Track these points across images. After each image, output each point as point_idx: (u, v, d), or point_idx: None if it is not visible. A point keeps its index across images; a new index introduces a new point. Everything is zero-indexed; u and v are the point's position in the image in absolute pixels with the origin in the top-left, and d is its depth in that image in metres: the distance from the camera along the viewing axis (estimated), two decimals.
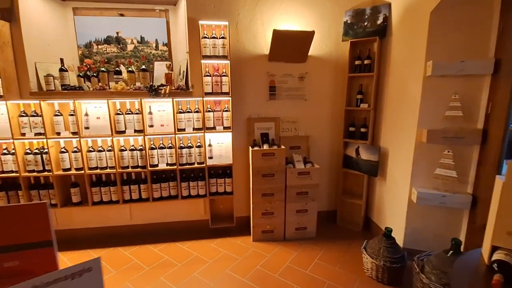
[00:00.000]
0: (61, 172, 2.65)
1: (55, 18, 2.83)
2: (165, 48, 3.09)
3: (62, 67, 2.68)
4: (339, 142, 3.16)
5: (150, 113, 2.71)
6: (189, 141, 2.81)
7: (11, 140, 2.52)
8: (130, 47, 3.06)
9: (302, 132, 3.12)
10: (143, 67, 2.84)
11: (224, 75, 2.72)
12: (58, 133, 2.61)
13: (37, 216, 1.14)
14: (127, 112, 2.67)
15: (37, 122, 2.57)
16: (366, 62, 2.84)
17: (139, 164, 2.72)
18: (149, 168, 2.73)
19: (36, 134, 2.57)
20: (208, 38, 2.62)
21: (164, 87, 2.70)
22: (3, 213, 1.12)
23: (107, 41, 3.01)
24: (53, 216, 2.93)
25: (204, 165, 2.81)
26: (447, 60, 2.12)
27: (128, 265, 2.52)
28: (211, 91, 2.72)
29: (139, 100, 2.61)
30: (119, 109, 2.66)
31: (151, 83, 2.74)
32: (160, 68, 2.99)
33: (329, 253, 2.69)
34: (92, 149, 2.67)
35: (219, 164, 2.85)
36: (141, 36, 3.05)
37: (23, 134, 2.57)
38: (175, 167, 2.76)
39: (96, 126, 2.66)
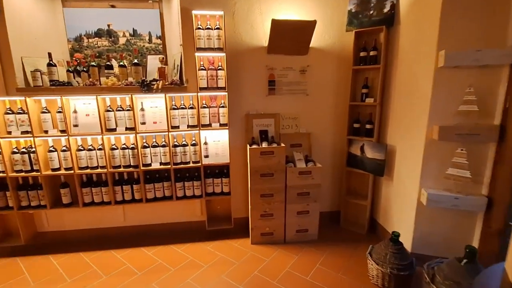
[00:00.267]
0: (50, 172, 2.53)
1: (43, 10, 2.70)
2: (158, 41, 2.94)
3: (50, 62, 2.55)
4: (342, 139, 2.98)
5: (142, 109, 2.57)
6: (183, 139, 2.67)
7: None
8: (122, 40, 2.91)
9: (304, 129, 2.96)
10: (135, 61, 2.69)
11: (220, 69, 2.56)
12: (46, 131, 2.49)
13: None
14: (118, 108, 2.53)
15: (24, 120, 2.45)
16: (372, 53, 2.65)
17: (131, 164, 2.59)
18: (142, 168, 2.59)
19: (23, 132, 2.45)
20: (203, 29, 2.46)
21: (157, 82, 2.56)
22: None
23: (98, 34, 2.87)
24: (43, 217, 2.83)
25: (199, 164, 2.67)
26: (461, 49, 1.92)
27: (119, 270, 2.40)
28: (206, 86, 2.56)
29: (130, 96, 2.46)
30: (109, 106, 2.52)
31: (144, 78, 2.60)
32: (153, 62, 2.84)
33: (332, 257, 2.54)
34: (82, 148, 2.55)
35: (215, 163, 2.70)
36: (133, 28, 2.90)
37: (9, 133, 2.45)
38: (169, 166, 2.62)
39: (85, 124, 2.53)
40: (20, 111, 2.45)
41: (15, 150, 2.50)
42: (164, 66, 2.68)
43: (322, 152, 3.04)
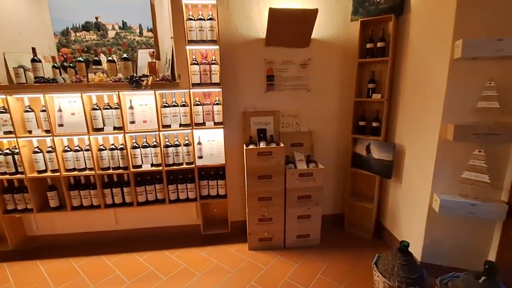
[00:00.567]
0: (35, 175, 2.40)
1: (26, 2, 2.53)
2: (150, 34, 2.75)
3: (35, 57, 2.40)
4: (347, 138, 2.78)
5: (131, 107, 2.41)
6: (175, 139, 2.50)
7: None
8: (111, 34, 2.74)
9: (305, 127, 2.76)
10: (125, 55, 2.52)
11: (213, 63, 2.37)
12: (30, 131, 2.35)
13: None
14: (105, 107, 2.37)
15: (6, 119, 2.31)
16: (379, 45, 2.43)
17: (121, 165, 2.44)
18: (132, 170, 2.44)
19: (5, 132, 2.32)
20: (194, 20, 2.27)
21: (147, 78, 2.38)
22: None
23: (86, 27, 2.70)
24: (32, 221, 2.71)
25: (193, 165, 2.50)
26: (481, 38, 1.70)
27: (108, 278, 2.27)
28: (199, 81, 2.38)
29: (117, 93, 2.30)
30: (96, 104, 2.36)
31: (133, 74, 2.43)
32: (144, 57, 2.66)
33: (335, 265, 2.36)
34: (68, 149, 2.40)
35: (210, 164, 2.53)
36: (123, 21, 2.72)
37: None
38: (161, 168, 2.47)
39: (71, 123, 2.38)
40: (2, 110, 2.31)
41: None
42: (155, 60, 2.51)
43: (325, 151, 2.84)
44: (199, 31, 2.28)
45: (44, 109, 2.30)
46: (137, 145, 2.44)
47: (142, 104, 2.45)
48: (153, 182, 2.53)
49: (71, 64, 2.50)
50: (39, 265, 2.45)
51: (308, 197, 2.52)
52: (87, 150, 2.40)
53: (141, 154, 2.45)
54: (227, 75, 2.54)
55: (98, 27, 2.71)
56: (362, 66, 2.60)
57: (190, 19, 2.26)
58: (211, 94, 2.50)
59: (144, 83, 2.35)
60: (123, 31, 2.74)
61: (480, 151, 1.84)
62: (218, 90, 2.42)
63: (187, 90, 2.38)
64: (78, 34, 2.71)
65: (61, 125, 2.36)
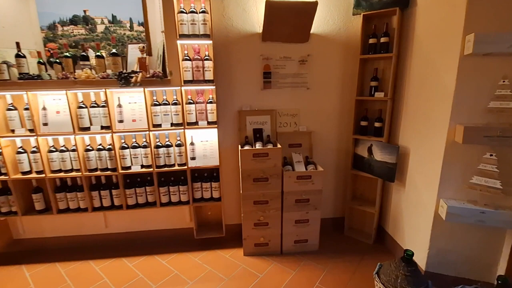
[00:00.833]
0: (19, 176, 2.28)
1: None
2: (141, 28, 2.62)
3: (19, 53, 2.28)
4: (348, 139, 2.65)
5: (120, 105, 2.28)
6: (167, 139, 2.37)
7: None
8: (100, 28, 2.60)
9: (304, 127, 2.63)
10: (114, 51, 2.39)
11: (207, 59, 2.24)
12: (13, 131, 2.23)
13: None
14: (92, 104, 2.24)
15: None
16: (383, 40, 2.28)
17: (109, 166, 2.32)
18: (121, 171, 2.32)
19: None
20: (186, 12, 2.13)
21: (136, 74, 2.25)
22: None
23: (74, 21, 2.57)
24: (18, 224, 2.60)
25: (185, 167, 2.37)
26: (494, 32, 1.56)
27: (95, 285, 2.15)
28: (191, 78, 2.25)
29: (104, 90, 2.17)
30: (82, 102, 2.23)
31: (122, 70, 2.30)
32: (135, 52, 2.53)
33: (334, 273, 2.24)
34: (54, 149, 2.28)
35: (203, 166, 2.41)
36: (112, 15, 2.58)
37: None
38: (152, 169, 2.34)
39: (56, 122, 2.26)
40: None
41: None
42: (145, 56, 2.38)
43: (324, 153, 2.71)
44: (191, 25, 2.14)
45: (28, 107, 2.17)
46: (126, 146, 2.31)
47: (131, 102, 2.32)
48: (143, 184, 2.41)
49: (57, 60, 2.38)
50: (24, 270, 2.34)
51: (306, 201, 2.39)
52: (73, 150, 2.27)
53: (130, 155, 2.33)
54: (221, 72, 2.41)
55: (86, 21, 2.58)
56: (365, 62, 2.46)
57: (182, 11, 2.12)
58: (204, 92, 2.37)
59: (133, 79, 2.22)
60: (112, 25, 2.60)
61: (491, 155, 1.70)
62: (211, 87, 2.28)
63: (179, 88, 2.25)
64: (65, 28, 2.57)
65: (45, 124, 2.24)
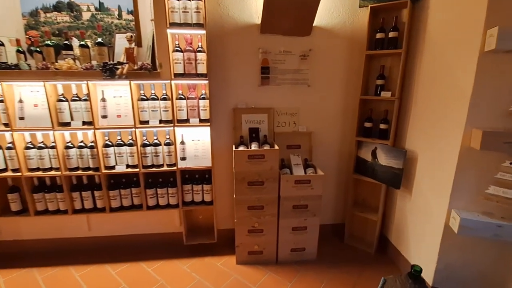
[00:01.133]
0: None
1: None
2: (130, 17, 2.42)
3: None
4: (350, 141, 2.48)
5: (104, 99, 2.09)
6: (155, 137, 2.19)
7: None
8: (86, 16, 2.40)
9: (303, 128, 2.45)
10: (100, 40, 2.20)
11: (199, 51, 2.05)
12: None
13: None
14: (73, 98, 2.06)
15: None
16: (391, 35, 2.11)
17: (91, 166, 2.14)
18: (104, 171, 2.14)
19: None
20: None
21: (122, 65, 2.07)
22: None
23: (57, 8, 2.37)
24: None
25: (175, 167, 2.20)
26: None
27: None
28: (182, 71, 2.07)
29: (86, 83, 1.98)
30: (63, 94, 2.04)
31: (106, 61, 2.11)
32: (123, 42, 2.32)
33: (332, 285, 2.07)
34: (32, 146, 2.09)
35: (194, 167, 2.23)
36: (99, 1, 2.38)
37: None
38: (138, 170, 2.16)
39: (33, 116, 2.07)
40: None
41: None
42: (133, 46, 2.19)
43: (325, 155, 2.54)
44: (183, 13, 1.96)
45: (2, 99, 1.98)
46: (110, 143, 2.13)
47: (116, 96, 2.14)
48: (129, 186, 2.24)
49: (38, 49, 2.19)
50: None
51: (304, 207, 2.22)
52: (52, 147, 2.09)
53: (114, 154, 2.14)
54: (215, 65, 2.23)
55: (71, 7, 2.38)
56: (371, 59, 2.29)
57: None
58: (196, 87, 2.18)
59: (118, 71, 2.04)
60: (99, 13, 2.40)
61: (511, 163, 1.54)
62: (204, 82, 2.11)
63: (168, 82, 2.07)
64: (48, 15, 2.37)
65: (22, 118, 2.05)
